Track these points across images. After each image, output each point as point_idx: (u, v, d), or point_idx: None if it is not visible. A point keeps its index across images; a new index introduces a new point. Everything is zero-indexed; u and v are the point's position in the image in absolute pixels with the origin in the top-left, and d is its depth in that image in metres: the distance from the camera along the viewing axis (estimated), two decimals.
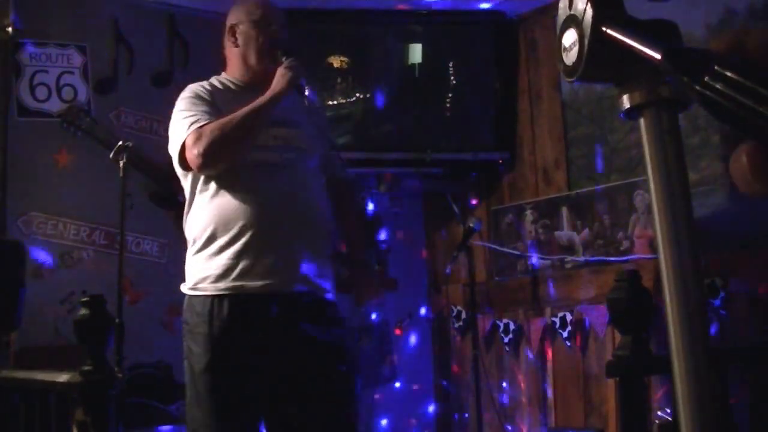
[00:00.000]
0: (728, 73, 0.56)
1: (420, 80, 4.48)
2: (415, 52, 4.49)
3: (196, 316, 2.33)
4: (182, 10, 4.31)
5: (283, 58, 2.43)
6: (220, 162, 2.33)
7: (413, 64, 4.49)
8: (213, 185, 2.38)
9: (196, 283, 2.37)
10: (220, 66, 2.63)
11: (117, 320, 3.11)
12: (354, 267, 2.63)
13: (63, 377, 2.55)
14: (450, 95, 4.50)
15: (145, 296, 4.04)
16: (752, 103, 0.55)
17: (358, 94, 4.39)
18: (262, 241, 2.32)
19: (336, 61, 4.36)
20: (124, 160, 3.30)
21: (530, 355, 4.34)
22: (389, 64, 4.51)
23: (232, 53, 2.54)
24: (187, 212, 2.46)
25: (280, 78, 2.39)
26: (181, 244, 4.15)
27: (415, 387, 4.83)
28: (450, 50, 4.52)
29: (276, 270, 2.32)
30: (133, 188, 3.82)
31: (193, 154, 2.30)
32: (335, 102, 4.35)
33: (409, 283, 4.89)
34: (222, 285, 2.32)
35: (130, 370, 3.62)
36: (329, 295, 2.45)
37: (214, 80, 2.54)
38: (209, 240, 2.36)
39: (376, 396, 4.66)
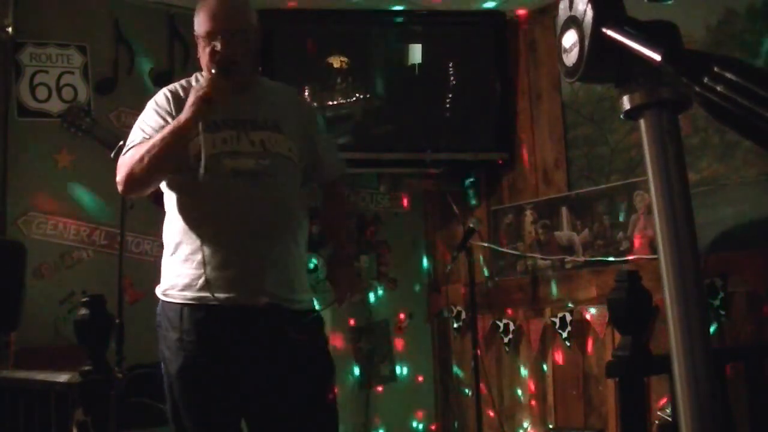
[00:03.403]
0: (728, 75, 0.57)
1: (420, 80, 4.48)
2: (415, 52, 4.49)
3: (168, 322, 2.31)
4: (182, 10, 4.30)
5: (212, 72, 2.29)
6: (134, 192, 2.35)
7: (413, 64, 4.49)
8: (181, 190, 2.35)
9: (166, 289, 2.35)
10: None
11: (117, 320, 3.11)
12: (334, 266, 2.59)
13: (63, 377, 2.56)
14: (450, 95, 4.50)
15: (145, 296, 4.03)
16: (751, 104, 0.55)
17: (358, 94, 4.39)
18: (225, 253, 2.26)
19: (336, 61, 4.36)
20: None
21: (530, 355, 4.34)
22: (389, 64, 4.51)
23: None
24: (166, 215, 2.44)
25: (187, 106, 2.23)
26: None
27: (415, 387, 4.83)
28: (450, 50, 4.52)
29: (238, 283, 2.26)
30: None
31: (116, 181, 2.34)
32: (335, 102, 4.34)
33: (409, 283, 4.90)
34: (189, 294, 2.29)
35: (130, 370, 3.62)
36: (302, 306, 2.37)
37: (194, 78, 2.46)
38: (176, 247, 2.33)
39: (376, 396, 4.66)
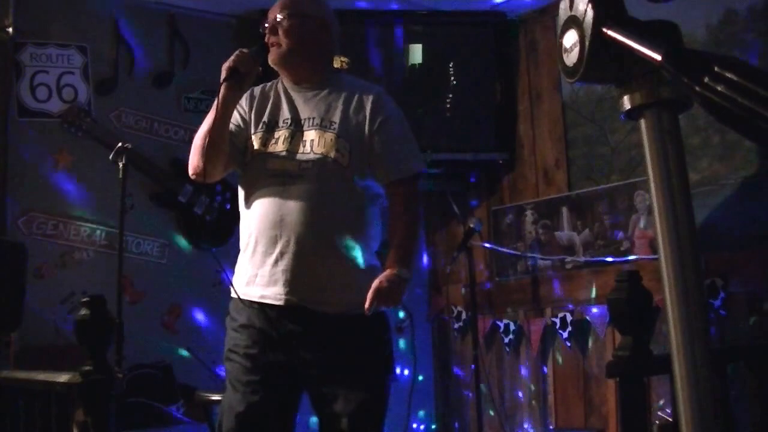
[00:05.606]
0: (728, 74, 0.57)
1: (420, 80, 4.48)
2: (415, 52, 4.49)
3: (229, 313, 2.43)
4: (182, 10, 4.31)
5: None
6: (197, 174, 2.36)
7: (413, 64, 4.49)
8: (241, 191, 2.44)
9: (233, 285, 2.44)
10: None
11: (117, 320, 3.11)
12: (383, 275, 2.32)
13: (63, 377, 2.55)
14: (450, 95, 4.50)
15: (145, 296, 4.04)
16: (752, 104, 0.55)
17: None
18: (263, 253, 2.32)
19: (336, 61, 4.34)
20: (124, 160, 3.30)
21: (530, 356, 4.34)
22: (389, 64, 4.51)
23: None
24: None
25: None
26: (180, 244, 4.17)
27: (415, 387, 4.82)
28: (450, 50, 4.52)
29: (266, 283, 2.31)
30: (133, 188, 3.83)
31: None
32: None
33: (409, 283, 4.88)
34: (240, 290, 2.38)
35: (130, 370, 3.62)
36: (337, 308, 2.30)
37: (279, 81, 2.50)
38: (242, 245, 2.43)
39: None
